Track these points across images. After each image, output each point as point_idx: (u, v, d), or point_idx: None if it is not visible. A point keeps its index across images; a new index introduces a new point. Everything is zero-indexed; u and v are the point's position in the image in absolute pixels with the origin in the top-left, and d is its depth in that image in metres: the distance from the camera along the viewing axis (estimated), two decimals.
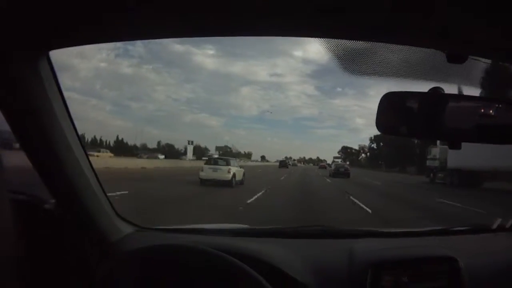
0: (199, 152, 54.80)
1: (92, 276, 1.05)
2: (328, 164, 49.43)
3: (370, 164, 64.37)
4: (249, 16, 0.80)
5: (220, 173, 14.32)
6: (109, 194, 1.27)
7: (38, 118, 0.98)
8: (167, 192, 11.19)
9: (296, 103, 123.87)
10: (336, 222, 6.91)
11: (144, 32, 0.91)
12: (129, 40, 0.95)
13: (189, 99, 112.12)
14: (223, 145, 67.86)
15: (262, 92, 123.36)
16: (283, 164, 47.58)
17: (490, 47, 0.87)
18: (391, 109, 0.89)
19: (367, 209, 9.33)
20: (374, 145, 68.66)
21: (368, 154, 73.44)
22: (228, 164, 15.01)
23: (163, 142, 65.79)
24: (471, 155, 15.63)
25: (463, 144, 0.90)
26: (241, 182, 15.34)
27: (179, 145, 61.07)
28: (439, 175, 22.79)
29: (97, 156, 25.80)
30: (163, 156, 44.39)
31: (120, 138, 67.12)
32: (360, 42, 0.89)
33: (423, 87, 0.92)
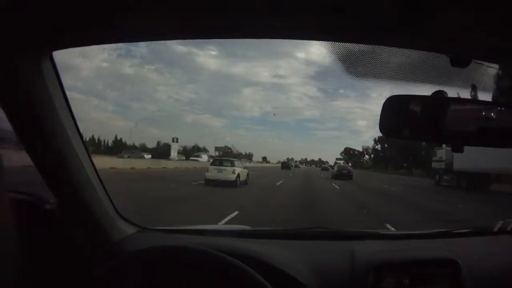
0: (189, 151, 53.40)
1: (93, 277, 1.06)
2: (331, 166, 49.32)
3: (374, 166, 64.10)
4: (251, 18, 0.81)
5: (225, 174, 15.17)
6: None
7: (41, 118, 1.00)
8: None
9: (298, 105, 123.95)
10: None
11: (147, 33, 0.93)
12: (132, 41, 0.97)
13: (191, 99, 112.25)
14: (223, 145, 67.74)
15: (264, 93, 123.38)
16: (286, 165, 47.67)
17: (493, 51, 0.88)
18: (394, 112, 0.90)
19: None
20: (378, 146, 68.44)
21: (372, 155, 73.21)
22: (233, 165, 15.96)
23: (163, 142, 65.86)
24: (480, 157, 15.41)
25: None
26: (245, 182, 16.18)
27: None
28: (445, 177, 22.59)
29: None
30: (149, 156, 41.53)
31: (118, 137, 67.40)
32: (363, 45, 0.90)
33: (426, 90, 0.93)
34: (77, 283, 1.13)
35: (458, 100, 0.92)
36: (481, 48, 0.87)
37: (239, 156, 55.39)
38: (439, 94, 0.90)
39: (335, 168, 30.21)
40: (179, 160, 34.80)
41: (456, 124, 0.89)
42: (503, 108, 0.94)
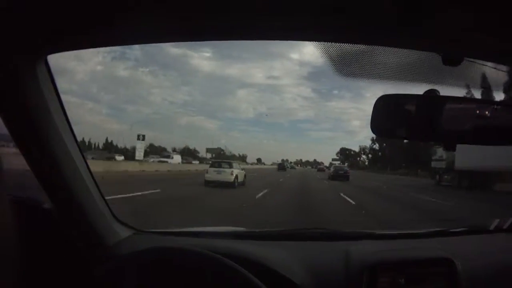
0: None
1: (90, 279, 1.08)
2: (327, 167, 49.48)
3: (372, 166, 64.09)
4: (251, 19, 0.83)
5: (224, 175, 16.10)
6: None
7: (36, 122, 1.02)
8: None
9: (292, 106, 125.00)
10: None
11: (146, 36, 0.94)
12: (131, 44, 0.98)
13: (185, 101, 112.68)
14: (216, 146, 67.25)
15: (259, 95, 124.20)
16: (281, 166, 48.26)
17: (485, 49, 0.90)
18: (386, 111, 0.91)
19: None
20: (376, 146, 68.60)
21: (369, 155, 73.37)
22: (231, 167, 16.91)
23: (156, 145, 65.45)
24: (484, 155, 15.13)
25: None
26: (242, 183, 17.12)
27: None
28: (445, 177, 22.43)
29: None
30: (121, 157, 36.78)
31: (109, 140, 67.22)
32: (355, 45, 0.91)
33: (418, 89, 0.94)
34: (74, 286, 1.15)
35: (450, 98, 0.93)
36: (472, 47, 0.89)
37: (232, 158, 54.97)
38: (431, 93, 0.91)
39: (332, 169, 30.23)
40: (145, 161, 29.67)
41: (448, 122, 0.90)
42: (494, 106, 0.95)
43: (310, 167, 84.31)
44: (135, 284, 1.00)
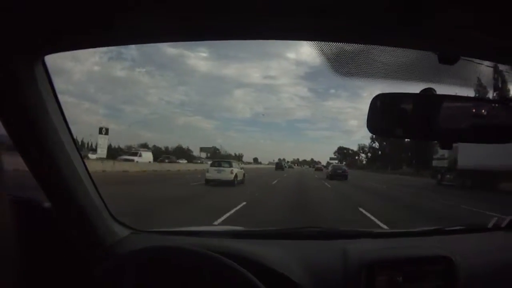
0: (173, 153, 50.37)
1: (88, 279, 1.10)
2: (324, 166, 49.55)
3: (371, 166, 63.90)
4: (251, 19, 0.84)
5: (224, 174, 17.08)
6: None
7: (34, 122, 1.03)
8: None
9: (289, 105, 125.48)
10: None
11: (141, 36, 0.96)
12: (126, 44, 0.99)
13: (182, 101, 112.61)
14: (211, 146, 66.90)
15: (255, 95, 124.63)
16: (279, 166, 48.44)
17: (481, 47, 0.92)
18: (382, 110, 0.93)
19: None
20: (375, 144, 68.59)
21: (369, 154, 73.40)
22: (230, 166, 17.88)
23: (151, 144, 65.14)
24: (488, 153, 14.81)
25: None
26: (242, 182, 18.20)
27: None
28: (447, 176, 22.26)
29: None
30: (94, 156, 28.18)
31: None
32: (352, 45, 0.93)
33: (415, 88, 0.96)
34: (72, 286, 1.17)
35: (447, 97, 0.95)
36: (468, 45, 0.91)
37: (228, 157, 54.80)
38: (427, 92, 0.93)
39: (330, 168, 30.28)
40: (110, 160, 24.50)
41: (444, 121, 0.92)
42: (491, 104, 0.98)
43: (307, 166, 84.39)
44: (134, 284, 1.02)
